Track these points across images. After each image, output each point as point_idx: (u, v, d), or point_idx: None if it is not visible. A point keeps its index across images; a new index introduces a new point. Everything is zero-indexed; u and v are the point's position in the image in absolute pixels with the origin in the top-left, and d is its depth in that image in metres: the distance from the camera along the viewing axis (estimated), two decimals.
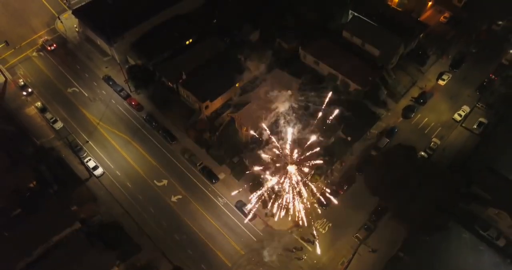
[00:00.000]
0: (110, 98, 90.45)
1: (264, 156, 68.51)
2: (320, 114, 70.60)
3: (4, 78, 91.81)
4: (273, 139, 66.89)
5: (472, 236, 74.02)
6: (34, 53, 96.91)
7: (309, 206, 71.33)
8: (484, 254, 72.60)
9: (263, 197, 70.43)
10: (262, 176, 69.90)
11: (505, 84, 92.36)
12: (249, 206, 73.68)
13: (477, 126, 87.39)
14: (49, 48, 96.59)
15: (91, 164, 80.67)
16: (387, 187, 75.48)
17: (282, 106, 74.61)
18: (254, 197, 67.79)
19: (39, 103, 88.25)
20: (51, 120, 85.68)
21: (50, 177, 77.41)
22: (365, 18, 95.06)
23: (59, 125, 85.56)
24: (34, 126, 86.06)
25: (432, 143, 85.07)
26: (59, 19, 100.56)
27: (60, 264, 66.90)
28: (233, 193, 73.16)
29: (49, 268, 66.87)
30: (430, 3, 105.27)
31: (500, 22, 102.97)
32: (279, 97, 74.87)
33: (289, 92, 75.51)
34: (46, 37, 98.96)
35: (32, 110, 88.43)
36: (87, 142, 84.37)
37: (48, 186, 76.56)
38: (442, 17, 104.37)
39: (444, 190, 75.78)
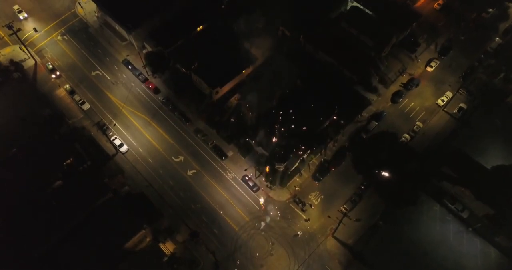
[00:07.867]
0: (130, 82, 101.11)
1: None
2: None
3: (34, 62, 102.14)
4: None
5: (442, 208, 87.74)
6: (59, 37, 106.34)
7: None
8: (450, 223, 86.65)
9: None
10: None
11: (486, 73, 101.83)
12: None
13: (457, 111, 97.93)
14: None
15: (117, 142, 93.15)
16: (370, 167, 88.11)
17: None
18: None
19: (67, 86, 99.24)
20: (80, 102, 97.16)
21: (83, 154, 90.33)
22: (363, 8, 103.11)
23: (86, 106, 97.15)
24: (65, 108, 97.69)
25: (416, 126, 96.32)
26: (79, 4, 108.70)
27: (97, 228, 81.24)
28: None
29: (88, 232, 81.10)
30: None
31: (490, 10, 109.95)
32: None
33: None
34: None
35: (62, 91, 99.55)
36: (114, 124, 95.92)
37: (82, 161, 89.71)
38: (436, 4, 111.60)
39: (418, 170, 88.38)
